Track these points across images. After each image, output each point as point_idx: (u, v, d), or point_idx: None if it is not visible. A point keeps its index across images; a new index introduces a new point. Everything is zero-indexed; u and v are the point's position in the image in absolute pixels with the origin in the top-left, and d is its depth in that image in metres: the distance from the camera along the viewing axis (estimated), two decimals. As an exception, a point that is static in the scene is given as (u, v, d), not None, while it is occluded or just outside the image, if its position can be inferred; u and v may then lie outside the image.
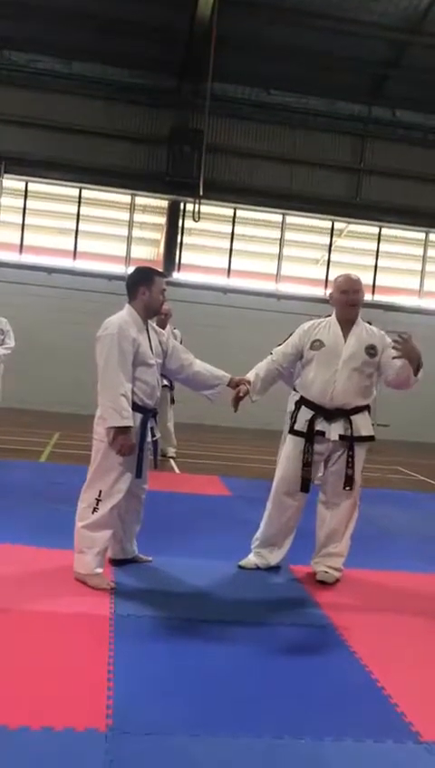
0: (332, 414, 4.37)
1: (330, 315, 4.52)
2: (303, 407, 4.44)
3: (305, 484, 4.40)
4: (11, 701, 2.66)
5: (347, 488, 4.38)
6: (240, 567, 4.52)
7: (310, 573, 4.50)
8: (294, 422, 4.47)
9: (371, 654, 3.35)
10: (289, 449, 4.49)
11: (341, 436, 4.36)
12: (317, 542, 4.54)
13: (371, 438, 4.46)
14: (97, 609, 3.63)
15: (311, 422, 4.36)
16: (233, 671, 3.09)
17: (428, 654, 3.48)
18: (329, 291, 4.61)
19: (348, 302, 4.39)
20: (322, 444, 4.39)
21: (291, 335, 4.57)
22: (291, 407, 4.83)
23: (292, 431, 4.48)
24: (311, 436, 4.36)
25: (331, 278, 14.86)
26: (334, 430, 4.36)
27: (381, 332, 4.50)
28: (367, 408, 4.47)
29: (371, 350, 4.36)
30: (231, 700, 2.83)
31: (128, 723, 2.57)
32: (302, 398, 4.47)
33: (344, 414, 4.37)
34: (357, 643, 3.46)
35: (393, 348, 4.17)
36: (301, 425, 4.42)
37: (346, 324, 4.42)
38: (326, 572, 4.41)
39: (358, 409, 4.40)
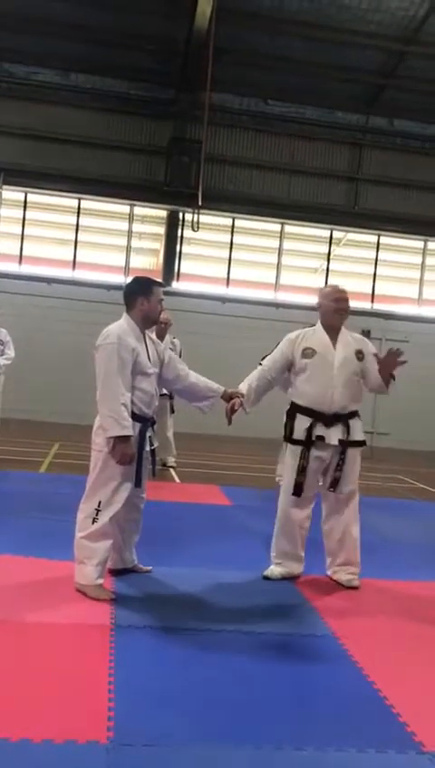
0: (330, 419, 4.40)
1: (314, 325, 4.58)
2: (298, 415, 4.47)
3: (298, 489, 4.42)
4: (11, 713, 2.65)
5: (331, 489, 4.45)
6: (266, 578, 4.50)
7: (309, 581, 4.49)
8: (291, 432, 4.48)
9: (372, 663, 3.33)
10: (291, 460, 4.50)
11: (340, 441, 4.40)
12: (329, 551, 4.59)
13: (363, 443, 4.55)
14: (97, 620, 3.61)
15: (309, 429, 4.39)
16: (234, 681, 3.07)
17: (430, 663, 3.46)
18: (317, 300, 4.67)
19: (338, 310, 4.49)
20: (323, 450, 4.42)
21: (278, 345, 4.63)
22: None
23: (291, 440, 4.49)
24: (309, 442, 4.38)
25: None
26: (334, 435, 4.41)
27: (362, 337, 4.64)
28: (357, 412, 4.55)
29: (359, 355, 4.50)
30: (232, 710, 2.81)
31: (128, 735, 2.55)
32: (297, 406, 4.50)
33: (342, 419, 4.43)
34: (359, 652, 3.45)
35: (376, 356, 4.39)
36: (299, 433, 4.44)
37: (333, 332, 4.50)
38: (351, 578, 4.48)
39: (352, 414, 4.49)
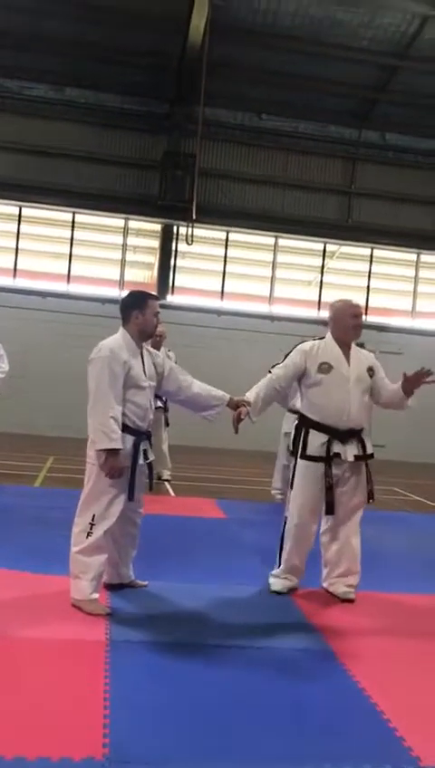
0: (345, 435, 4.39)
1: (323, 337, 4.56)
2: (312, 430, 4.43)
3: (331, 507, 4.39)
4: (6, 730, 2.62)
5: (371, 500, 4.51)
6: (276, 592, 4.47)
7: (306, 595, 4.47)
8: (304, 447, 4.43)
9: (369, 677, 3.31)
10: (305, 476, 4.43)
11: (356, 457, 4.41)
12: (326, 562, 4.56)
13: (372, 456, 4.57)
14: (93, 635, 3.59)
15: (328, 445, 4.37)
16: (231, 697, 3.05)
17: (427, 677, 3.45)
18: (327, 313, 4.65)
19: (357, 325, 4.50)
20: (339, 467, 4.41)
21: (289, 355, 4.58)
22: (286, 428, 4.83)
23: (304, 456, 4.44)
24: (329, 458, 4.37)
25: (324, 299, 14.94)
26: (350, 451, 4.41)
27: (370, 353, 4.67)
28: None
29: (370, 371, 4.51)
30: (229, 727, 2.79)
31: (125, 752, 2.53)
32: (308, 420, 4.45)
33: (356, 434, 4.43)
34: (355, 666, 3.43)
35: (404, 374, 4.41)
36: (315, 449, 4.40)
37: (345, 347, 4.49)
38: (348, 591, 4.46)
39: (363, 429, 4.49)
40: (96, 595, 3.96)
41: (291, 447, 4.58)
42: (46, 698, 2.90)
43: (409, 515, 8.22)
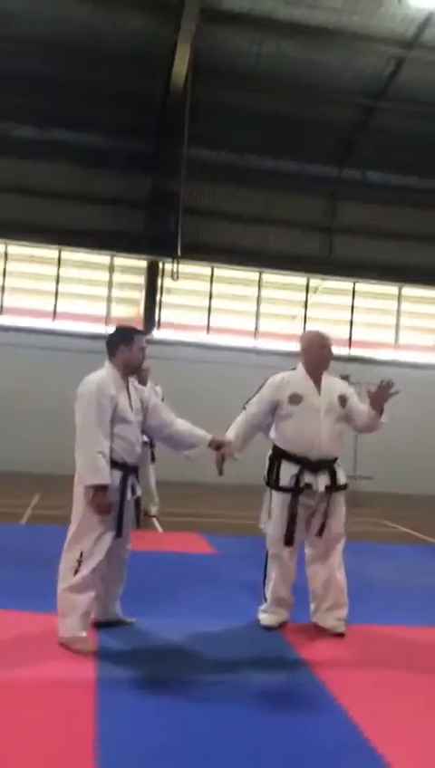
0: (316, 466, 4.42)
1: (295, 368, 4.61)
2: (284, 461, 4.47)
3: (290, 538, 4.39)
4: (-7, 774, 2.58)
5: (318, 535, 4.45)
6: (268, 627, 4.44)
7: (296, 629, 4.44)
8: (277, 478, 4.47)
9: (362, 711, 3.28)
10: (279, 507, 4.45)
11: (326, 487, 4.42)
12: (314, 596, 4.53)
13: (346, 486, 4.58)
14: (81, 674, 3.54)
15: (298, 476, 4.39)
16: (223, 736, 3.01)
17: (420, 709, 3.42)
18: (300, 345, 4.70)
19: (325, 356, 4.56)
20: (311, 497, 4.43)
21: (261, 388, 4.61)
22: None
23: (277, 487, 4.47)
24: (298, 489, 4.38)
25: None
26: (321, 482, 4.43)
27: (343, 381, 4.73)
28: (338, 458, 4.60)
29: (342, 400, 4.54)
30: (222, 766, 2.75)
31: (114, 792, 2.49)
32: (281, 451, 4.50)
33: (327, 465, 4.45)
34: (347, 700, 3.40)
35: (369, 391, 4.43)
36: (286, 480, 4.43)
37: (317, 377, 4.54)
38: (337, 624, 4.43)
39: (336, 459, 4.53)
40: (84, 633, 3.92)
41: (266, 478, 4.59)
42: (33, 741, 2.85)
43: (397, 547, 8.20)
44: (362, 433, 4.67)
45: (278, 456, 4.51)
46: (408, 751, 2.97)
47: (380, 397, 4.43)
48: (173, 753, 2.82)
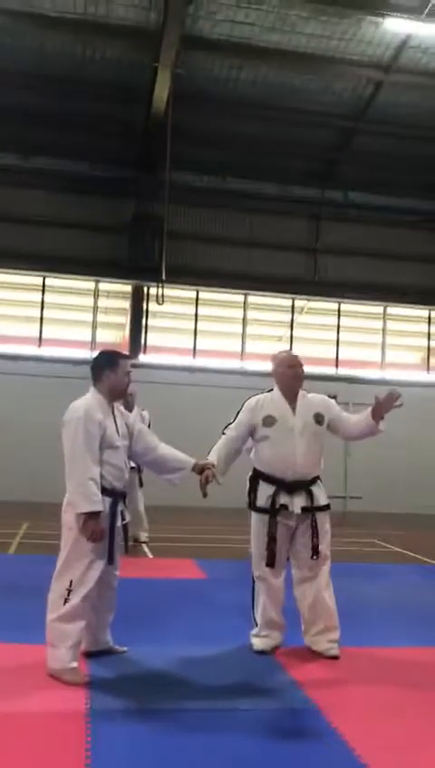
0: (292, 487, 4.41)
1: (271, 390, 4.61)
2: (261, 482, 4.47)
3: (271, 559, 4.38)
4: None
5: (314, 557, 4.41)
6: (261, 652, 4.38)
7: (289, 653, 4.39)
8: (255, 499, 4.47)
9: (358, 736, 3.23)
10: (258, 528, 4.47)
11: (303, 509, 4.40)
12: (303, 618, 4.49)
13: (328, 507, 4.55)
14: (72, 706, 3.47)
15: (274, 497, 4.39)
16: (218, 765, 2.95)
17: (417, 732, 3.37)
18: (271, 367, 4.71)
19: (295, 375, 4.57)
20: (288, 518, 4.41)
21: (239, 412, 4.61)
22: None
23: (255, 508, 4.47)
24: (274, 511, 4.37)
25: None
26: (297, 503, 4.41)
27: (322, 397, 4.70)
28: (319, 477, 4.57)
29: (318, 418, 4.53)
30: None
31: None
32: (259, 473, 4.50)
33: (304, 485, 4.44)
34: (343, 724, 3.35)
35: (377, 397, 4.46)
36: (263, 501, 4.43)
37: (292, 397, 4.54)
38: (330, 647, 4.38)
39: (315, 479, 4.51)
40: (75, 664, 3.85)
41: (247, 500, 4.56)
42: (25, 776, 2.78)
43: (389, 567, 8.15)
44: (351, 441, 4.67)
45: (256, 477, 4.51)
46: (407, 776, 2.91)
47: (385, 406, 4.45)
48: (167, 785, 2.76)
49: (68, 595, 3.85)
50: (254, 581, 4.52)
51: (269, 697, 3.76)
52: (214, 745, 3.12)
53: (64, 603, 3.85)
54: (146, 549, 8.31)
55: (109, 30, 11.32)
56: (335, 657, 4.35)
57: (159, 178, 13.76)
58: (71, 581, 3.87)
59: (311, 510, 4.43)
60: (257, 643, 4.45)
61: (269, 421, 4.46)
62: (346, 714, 3.51)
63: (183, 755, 3.01)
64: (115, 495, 4.01)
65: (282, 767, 2.96)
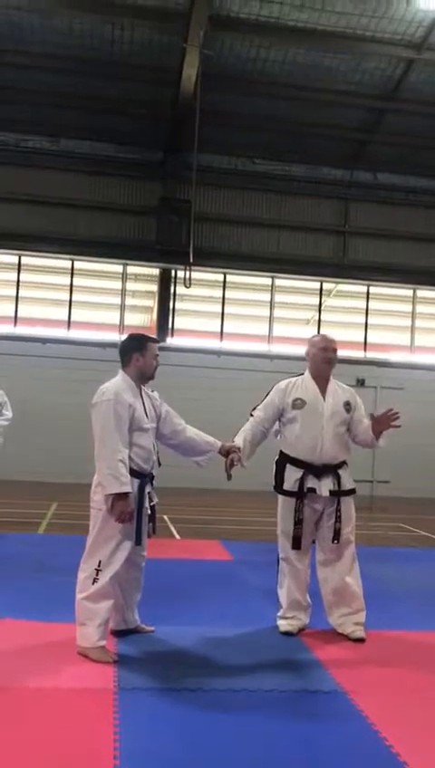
0: (320, 470, 4.42)
1: (302, 374, 4.60)
2: (289, 465, 4.47)
3: (297, 542, 4.40)
4: (14, 784, 2.57)
5: (335, 542, 4.42)
6: (287, 633, 4.41)
7: (315, 635, 4.41)
8: (281, 482, 4.48)
9: (383, 718, 3.25)
10: (284, 511, 4.49)
11: (331, 492, 4.40)
12: (326, 601, 4.51)
13: (354, 491, 4.56)
14: (100, 683, 3.53)
15: (301, 480, 4.39)
16: (243, 742, 2.99)
17: (441, 716, 3.38)
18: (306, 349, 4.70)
19: (326, 359, 4.55)
20: (316, 501, 4.42)
21: (268, 395, 4.62)
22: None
23: (282, 491, 4.48)
24: (302, 494, 4.38)
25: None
26: (324, 486, 4.42)
27: (350, 389, 4.67)
28: (346, 461, 4.57)
29: (347, 406, 4.54)
30: (241, 774, 2.73)
31: (135, 802, 2.47)
32: (286, 456, 4.51)
33: (332, 469, 4.44)
34: (368, 707, 3.37)
35: (372, 415, 4.45)
36: (290, 484, 4.44)
37: (322, 382, 4.54)
38: (356, 629, 4.39)
39: (342, 464, 4.51)
40: (103, 642, 3.91)
41: (273, 483, 4.57)
42: (54, 750, 2.84)
43: (416, 551, 8.14)
44: (357, 444, 4.65)
45: (283, 460, 4.52)
46: (429, 757, 2.93)
47: (381, 424, 4.44)
48: (194, 760, 2.81)
49: (97, 575, 3.91)
50: (279, 563, 4.55)
51: (294, 678, 3.79)
52: (238, 724, 3.16)
53: (93, 583, 3.91)
54: (173, 529, 8.38)
55: (137, 11, 11.26)
56: (361, 640, 4.36)
57: (187, 160, 13.72)
58: (99, 562, 3.92)
59: (337, 494, 4.44)
60: (284, 625, 4.48)
61: (299, 404, 4.47)
62: (371, 696, 3.52)
63: (208, 733, 3.05)
64: (143, 477, 4.05)
65: (306, 747, 2.99)
